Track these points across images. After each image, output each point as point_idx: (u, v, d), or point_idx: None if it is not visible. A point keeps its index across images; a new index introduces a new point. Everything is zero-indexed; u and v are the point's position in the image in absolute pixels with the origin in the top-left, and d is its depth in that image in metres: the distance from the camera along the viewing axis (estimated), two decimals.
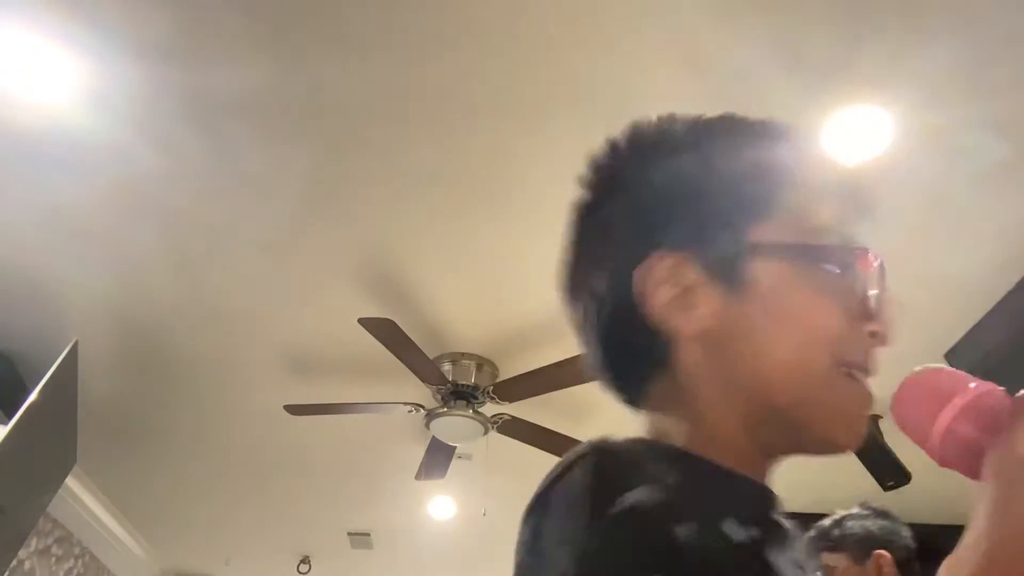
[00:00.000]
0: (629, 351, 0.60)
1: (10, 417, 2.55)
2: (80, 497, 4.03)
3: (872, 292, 0.57)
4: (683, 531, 0.43)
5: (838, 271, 0.56)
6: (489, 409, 3.20)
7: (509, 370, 3.16)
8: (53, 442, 3.02)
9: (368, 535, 4.70)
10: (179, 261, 2.69)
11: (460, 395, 3.12)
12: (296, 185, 2.39)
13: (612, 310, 0.60)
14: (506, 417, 3.20)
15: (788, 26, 1.88)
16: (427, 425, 3.19)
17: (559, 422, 3.36)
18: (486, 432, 3.20)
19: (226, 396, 3.41)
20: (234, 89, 2.08)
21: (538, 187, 2.36)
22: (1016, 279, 2.59)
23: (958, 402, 0.46)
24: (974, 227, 2.40)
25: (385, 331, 2.71)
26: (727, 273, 0.56)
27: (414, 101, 2.12)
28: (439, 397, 3.16)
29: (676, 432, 0.56)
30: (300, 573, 5.08)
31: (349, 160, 2.30)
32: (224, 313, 2.93)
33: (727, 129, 0.63)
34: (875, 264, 0.58)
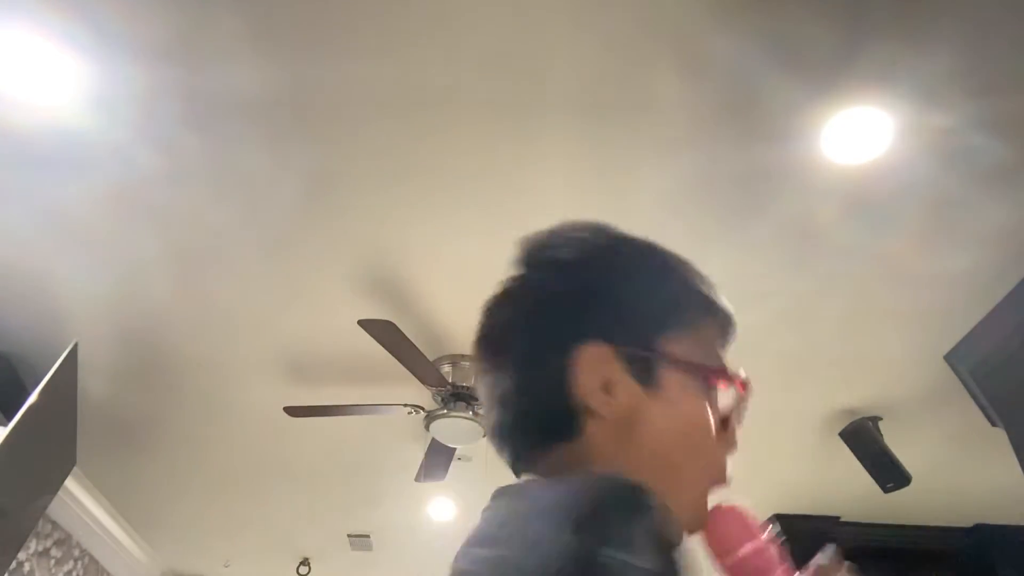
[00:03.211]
0: (542, 421, 0.66)
1: (9, 419, 2.54)
2: (79, 499, 4.02)
3: (737, 415, 0.71)
4: None
5: (721, 390, 0.68)
6: None
7: None
8: (52, 444, 3.01)
9: (368, 537, 4.69)
10: (179, 262, 2.69)
11: (460, 397, 3.12)
12: (296, 186, 2.39)
13: (533, 384, 0.67)
14: None
15: (788, 27, 1.88)
16: (427, 427, 3.19)
17: None
18: (486, 434, 3.20)
19: (226, 398, 3.40)
20: (234, 90, 2.08)
21: (539, 188, 2.35)
22: (1016, 279, 2.59)
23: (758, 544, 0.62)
24: (974, 227, 2.40)
25: (385, 333, 2.71)
26: (643, 374, 0.65)
27: (415, 102, 2.12)
28: (439, 399, 3.16)
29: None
30: (300, 575, 5.07)
31: (349, 161, 2.30)
32: (224, 314, 2.92)
33: (645, 246, 0.75)
34: (747, 390, 0.71)
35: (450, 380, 3.12)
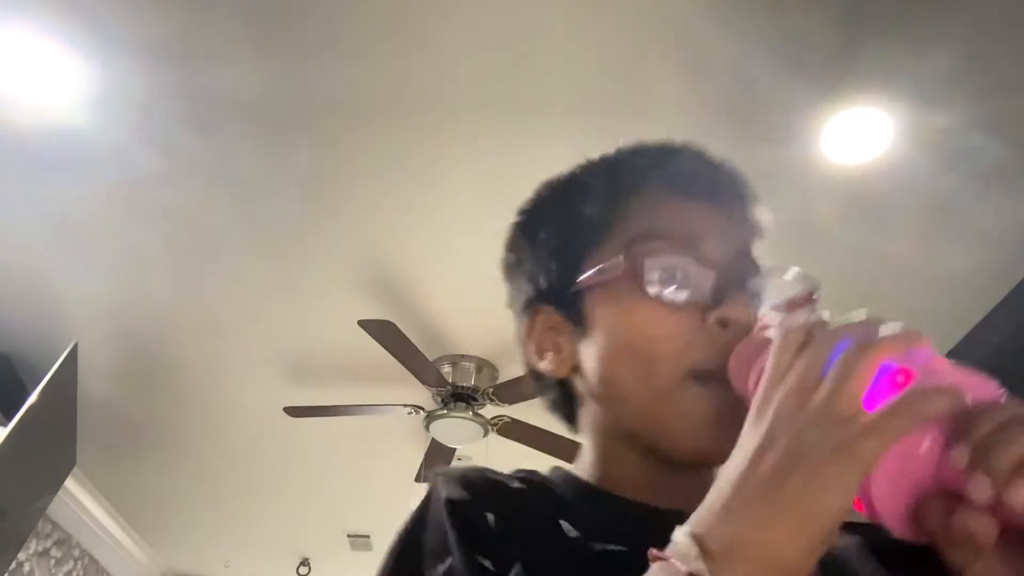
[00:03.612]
0: (553, 394, 0.67)
1: (9, 419, 2.55)
2: (79, 499, 4.02)
3: (705, 284, 0.56)
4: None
5: (664, 278, 0.56)
6: (489, 411, 3.20)
7: (509, 372, 3.16)
8: (52, 444, 3.02)
9: (368, 537, 4.69)
10: (179, 262, 2.69)
11: (460, 397, 3.12)
12: (296, 186, 2.39)
13: (526, 363, 0.67)
14: (506, 419, 3.20)
15: (788, 27, 1.88)
16: (427, 427, 3.19)
17: (559, 424, 3.36)
18: (486, 434, 3.20)
19: (226, 398, 3.41)
20: (234, 90, 2.08)
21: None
22: (1016, 279, 2.59)
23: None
24: (974, 228, 2.40)
25: (385, 333, 2.71)
26: (575, 315, 0.60)
27: (415, 102, 2.12)
28: (439, 399, 3.16)
29: (583, 457, 0.63)
30: (300, 575, 5.07)
31: (349, 162, 2.30)
32: (223, 314, 2.92)
33: (561, 180, 0.70)
34: (712, 252, 0.57)
35: (450, 380, 3.12)
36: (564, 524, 0.52)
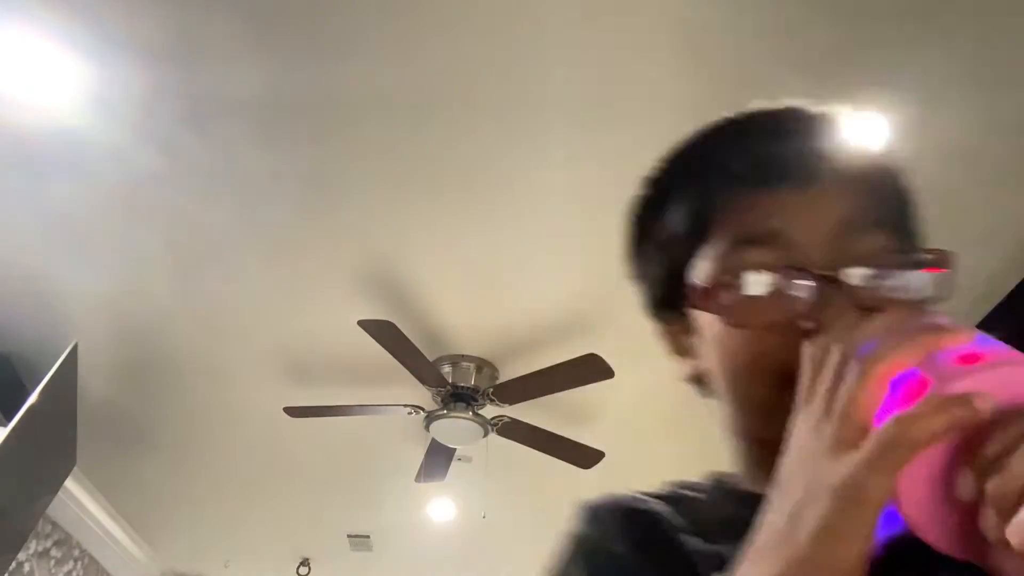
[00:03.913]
0: (704, 395, 0.66)
1: (9, 419, 2.54)
2: (79, 499, 4.02)
3: (798, 286, 0.50)
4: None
5: (755, 286, 0.51)
6: (489, 411, 3.20)
7: (509, 372, 3.16)
8: (52, 444, 3.02)
9: (368, 537, 4.69)
10: (178, 263, 2.69)
11: (460, 397, 3.12)
12: (295, 187, 2.39)
13: None
14: (506, 419, 3.20)
15: (788, 28, 1.88)
16: (427, 427, 3.18)
17: (559, 424, 3.36)
18: (486, 434, 3.20)
19: (226, 398, 3.40)
20: (233, 91, 2.08)
21: (539, 189, 2.36)
22: (1016, 279, 2.59)
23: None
24: (974, 228, 2.40)
25: (384, 333, 2.71)
26: (686, 321, 0.59)
27: (415, 102, 2.12)
28: (439, 399, 3.16)
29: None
30: (299, 575, 5.07)
31: (348, 162, 2.30)
32: (223, 314, 2.92)
33: (653, 180, 0.65)
34: (807, 245, 0.51)
35: (450, 380, 3.12)
36: (693, 540, 0.50)
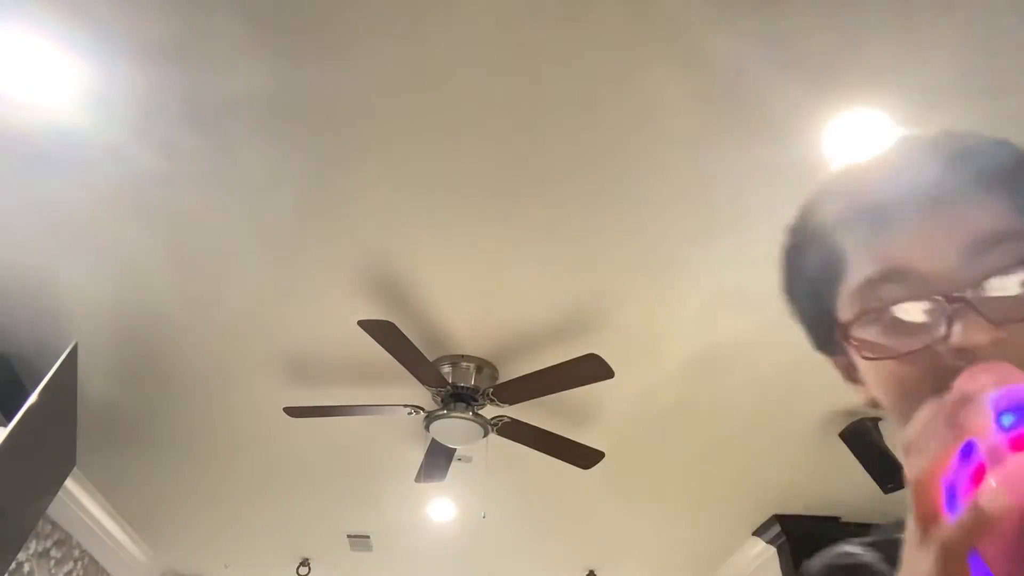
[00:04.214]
0: None
1: (9, 419, 2.54)
2: (79, 499, 4.02)
3: (933, 313, 0.51)
4: None
5: (888, 324, 0.54)
6: (489, 411, 3.20)
7: (509, 372, 3.16)
8: (52, 444, 3.01)
9: (368, 537, 4.69)
10: (178, 263, 2.69)
11: (460, 397, 3.12)
12: (295, 187, 2.39)
13: None
14: (506, 419, 3.20)
15: (788, 28, 1.88)
16: (427, 427, 3.18)
17: (559, 424, 3.36)
18: (486, 434, 3.20)
19: (225, 398, 3.40)
20: (233, 90, 2.08)
21: (539, 188, 2.35)
22: None
23: None
24: None
25: (384, 333, 2.71)
26: (847, 355, 0.60)
27: (414, 103, 2.12)
28: (439, 399, 3.16)
29: None
30: (299, 575, 5.07)
31: (348, 162, 2.30)
32: (223, 314, 2.92)
33: (795, 224, 0.67)
34: (934, 271, 0.53)
35: (450, 380, 3.12)
36: None
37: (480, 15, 1.90)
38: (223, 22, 1.90)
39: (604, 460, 3.31)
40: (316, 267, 2.70)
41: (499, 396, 3.08)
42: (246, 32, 1.93)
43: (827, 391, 3.20)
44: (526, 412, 3.22)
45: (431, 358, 3.00)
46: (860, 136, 2.13)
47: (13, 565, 3.49)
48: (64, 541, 4.12)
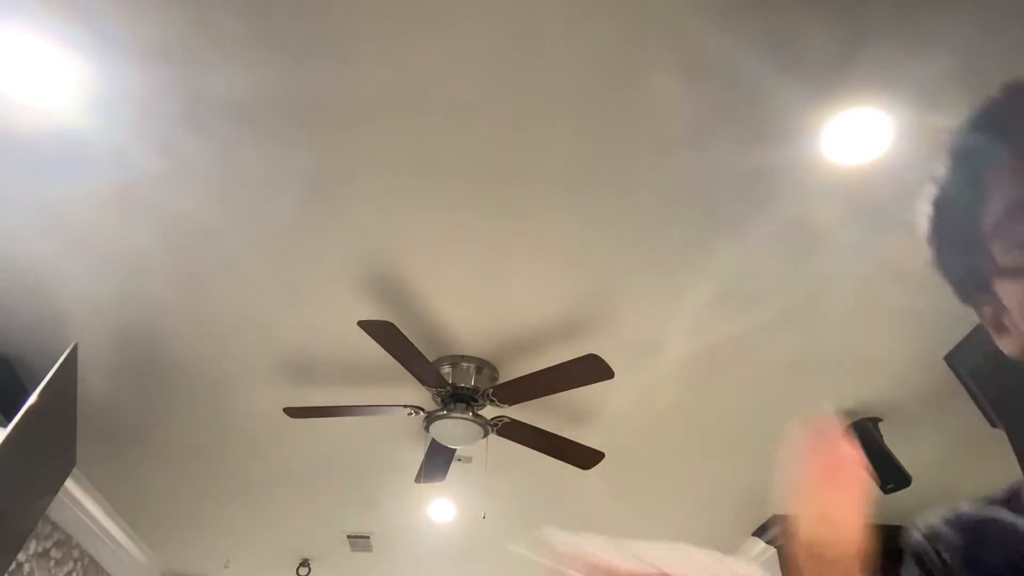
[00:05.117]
0: None
1: (9, 420, 2.54)
2: (79, 500, 4.02)
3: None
4: None
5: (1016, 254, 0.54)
6: (489, 412, 3.20)
7: (509, 373, 3.16)
8: (52, 445, 3.01)
9: (368, 538, 4.69)
10: (178, 263, 2.68)
11: (460, 398, 3.12)
12: (295, 187, 2.39)
13: None
14: (506, 420, 3.19)
15: (789, 28, 1.88)
16: (427, 428, 3.18)
17: (559, 425, 3.36)
18: (486, 435, 3.20)
19: (225, 399, 3.40)
20: (233, 91, 2.08)
21: (539, 188, 2.35)
22: None
23: None
24: None
25: (384, 333, 2.71)
26: (997, 300, 0.61)
27: (414, 103, 2.12)
28: (439, 400, 3.16)
29: None
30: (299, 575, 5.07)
31: (348, 162, 2.30)
32: (223, 315, 2.92)
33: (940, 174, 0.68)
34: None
35: (450, 381, 3.12)
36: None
37: (480, 15, 1.90)
38: (224, 23, 1.90)
39: (604, 460, 3.31)
40: (316, 267, 2.70)
41: (499, 396, 3.08)
42: (247, 33, 1.93)
43: (827, 391, 3.20)
44: (526, 412, 3.22)
45: (431, 358, 3.00)
46: (860, 136, 2.13)
47: (13, 566, 3.49)
48: (64, 542, 4.12)
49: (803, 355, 3.00)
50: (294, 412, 3.16)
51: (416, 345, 2.78)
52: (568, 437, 3.22)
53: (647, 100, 2.09)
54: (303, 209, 2.46)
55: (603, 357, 2.76)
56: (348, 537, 4.68)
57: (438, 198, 2.42)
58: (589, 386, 2.93)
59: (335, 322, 2.90)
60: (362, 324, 2.68)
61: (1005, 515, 0.61)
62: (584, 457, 3.28)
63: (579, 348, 2.86)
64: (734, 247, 2.50)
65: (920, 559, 0.63)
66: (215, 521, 4.56)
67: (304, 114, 2.15)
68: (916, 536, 0.64)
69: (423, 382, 3.03)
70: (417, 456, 3.56)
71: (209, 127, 2.18)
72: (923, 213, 0.67)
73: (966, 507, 0.65)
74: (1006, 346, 0.61)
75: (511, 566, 4.98)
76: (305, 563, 5.05)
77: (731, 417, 3.38)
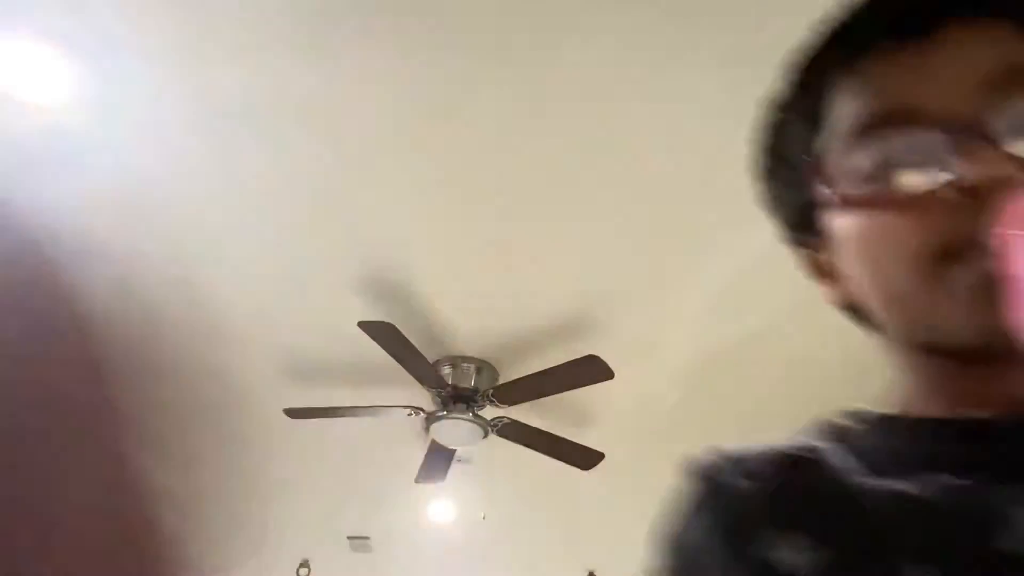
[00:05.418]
0: (865, 329, 0.60)
1: None
2: None
3: (933, 152, 0.44)
4: None
5: (881, 167, 0.46)
6: (489, 412, 3.20)
7: (509, 373, 3.16)
8: None
9: (368, 539, 4.69)
10: (179, 263, 2.68)
11: (460, 398, 3.12)
12: (296, 188, 2.39)
13: None
14: (506, 420, 3.19)
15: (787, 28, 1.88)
16: (427, 428, 3.18)
17: (559, 425, 3.36)
18: (486, 435, 3.19)
19: (225, 399, 3.40)
20: (234, 91, 2.07)
21: (539, 188, 2.35)
22: None
23: None
24: None
25: (384, 334, 2.71)
26: (821, 238, 0.54)
27: (414, 103, 2.11)
28: (439, 400, 3.16)
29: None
30: None
31: (348, 163, 2.30)
32: (223, 315, 2.92)
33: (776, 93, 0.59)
34: (935, 104, 0.44)
35: (450, 381, 3.12)
36: (863, 479, 0.47)
37: (485, 15, 1.90)
38: (224, 24, 1.90)
39: (604, 460, 3.30)
40: (316, 268, 2.70)
41: (499, 397, 3.08)
42: (247, 34, 1.93)
43: (827, 391, 3.20)
44: (526, 413, 3.22)
45: (431, 359, 3.00)
46: None
47: None
48: None
49: (803, 355, 2.99)
50: (294, 413, 3.16)
51: (416, 346, 2.78)
52: (568, 438, 3.22)
53: (647, 100, 2.08)
54: (303, 209, 2.46)
55: (603, 358, 2.75)
56: (348, 538, 4.68)
57: (438, 197, 2.42)
58: (589, 387, 2.93)
59: (335, 322, 2.90)
60: (362, 325, 2.68)
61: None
62: (584, 457, 3.28)
63: (579, 348, 2.86)
64: (734, 248, 2.50)
65: None
66: (215, 521, 4.55)
67: (305, 114, 2.15)
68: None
69: (423, 383, 3.03)
70: (417, 457, 3.56)
71: (210, 127, 2.18)
72: (755, 145, 0.60)
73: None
74: (828, 295, 0.56)
75: (511, 566, 4.98)
76: (305, 564, 5.05)
77: (731, 418, 3.37)
